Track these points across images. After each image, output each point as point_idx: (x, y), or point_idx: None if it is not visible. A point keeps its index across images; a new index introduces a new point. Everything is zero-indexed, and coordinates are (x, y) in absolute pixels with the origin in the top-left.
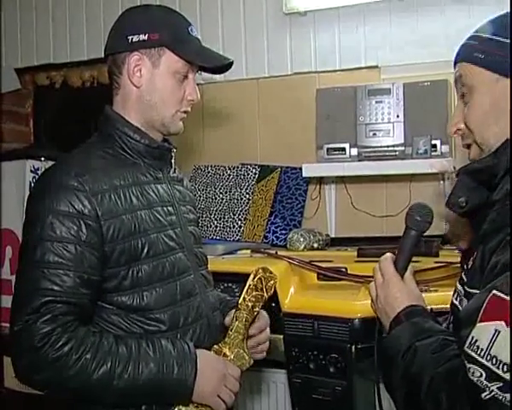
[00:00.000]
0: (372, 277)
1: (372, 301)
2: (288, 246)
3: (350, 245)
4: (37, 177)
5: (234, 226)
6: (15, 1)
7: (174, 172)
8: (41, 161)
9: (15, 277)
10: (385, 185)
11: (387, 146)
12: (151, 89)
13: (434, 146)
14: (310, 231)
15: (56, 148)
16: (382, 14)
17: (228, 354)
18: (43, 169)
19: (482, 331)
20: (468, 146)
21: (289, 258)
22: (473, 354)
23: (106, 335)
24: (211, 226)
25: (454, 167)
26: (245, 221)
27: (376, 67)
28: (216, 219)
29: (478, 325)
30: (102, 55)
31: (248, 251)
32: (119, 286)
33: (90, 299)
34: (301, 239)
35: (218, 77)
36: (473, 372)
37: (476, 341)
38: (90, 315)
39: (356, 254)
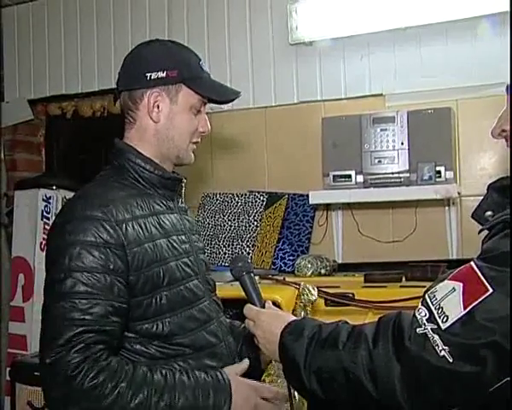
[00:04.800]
0: (380, 302)
1: (260, 345)
2: (295, 272)
3: (357, 271)
4: (49, 205)
5: (242, 253)
6: (28, 34)
7: (182, 202)
8: (53, 189)
9: (42, 311)
10: (391, 211)
11: (392, 173)
12: (169, 124)
13: (439, 172)
14: (317, 256)
15: (68, 176)
16: (386, 44)
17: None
18: (55, 198)
19: (444, 286)
20: None
21: (297, 284)
22: (428, 299)
23: (139, 365)
24: (219, 253)
25: (458, 193)
26: (253, 248)
27: (381, 95)
28: (225, 246)
29: (445, 281)
30: (113, 86)
31: (257, 277)
32: (144, 314)
33: (120, 327)
34: (309, 265)
35: (226, 106)
36: (420, 312)
37: (436, 291)
38: (119, 344)
39: (363, 279)
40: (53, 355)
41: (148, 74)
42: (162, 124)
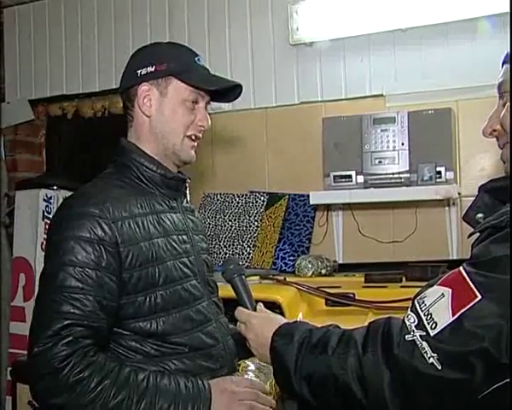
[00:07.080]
0: (380, 302)
1: (252, 348)
2: (296, 272)
3: (357, 271)
4: (50, 205)
5: (243, 253)
6: (29, 34)
7: (187, 202)
8: (54, 190)
9: (35, 301)
10: (391, 212)
11: (393, 173)
12: (161, 117)
13: (439, 173)
14: (318, 257)
15: (69, 177)
16: (386, 45)
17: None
18: (55, 198)
19: (433, 292)
20: (504, 145)
21: (298, 284)
22: (417, 305)
23: (124, 364)
24: (220, 253)
25: (459, 193)
26: (254, 248)
27: (381, 95)
28: (225, 246)
29: (435, 287)
30: (114, 87)
31: (257, 277)
32: (137, 313)
33: (107, 325)
34: (309, 265)
35: (226, 107)
36: (409, 318)
37: (425, 297)
38: (106, 342)
39: (363, 279)
40: (41, 346)
41: (139, 71)
42: (154, 117)
